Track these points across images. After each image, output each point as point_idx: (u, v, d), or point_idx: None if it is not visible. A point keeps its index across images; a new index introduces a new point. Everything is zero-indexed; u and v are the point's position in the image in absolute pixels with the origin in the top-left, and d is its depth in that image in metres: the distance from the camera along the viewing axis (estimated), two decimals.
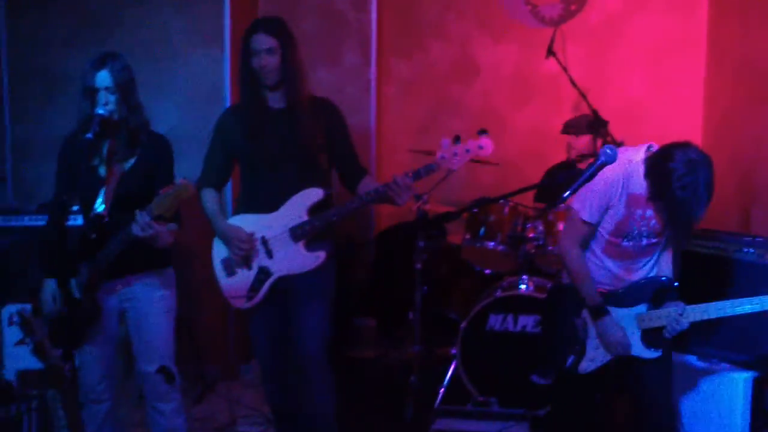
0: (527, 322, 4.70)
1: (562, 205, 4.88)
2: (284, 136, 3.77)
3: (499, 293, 4.76)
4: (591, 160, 5.06)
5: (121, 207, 3.52)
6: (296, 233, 3.75)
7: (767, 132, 4.74)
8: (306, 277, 3.80)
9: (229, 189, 4.82)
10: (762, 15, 4.89)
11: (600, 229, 3.54)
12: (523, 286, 4.78)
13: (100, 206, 3.54)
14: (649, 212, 3.40)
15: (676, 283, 3.52)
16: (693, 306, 3.40)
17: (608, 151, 2.99)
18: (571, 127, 5.27)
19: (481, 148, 3.53)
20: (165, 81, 5.16)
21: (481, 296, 4.94)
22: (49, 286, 3.61)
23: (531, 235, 4.86)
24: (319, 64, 5.96)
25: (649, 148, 3.38)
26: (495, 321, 4.72)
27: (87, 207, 3.59)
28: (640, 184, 3.35)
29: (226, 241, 3.84)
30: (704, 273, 3.82)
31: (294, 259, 3.79)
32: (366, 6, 6.15)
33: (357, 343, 5.82)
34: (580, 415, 3.77)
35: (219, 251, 3.92)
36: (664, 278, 3.54)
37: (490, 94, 6.26)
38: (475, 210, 5.14)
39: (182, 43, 5.22)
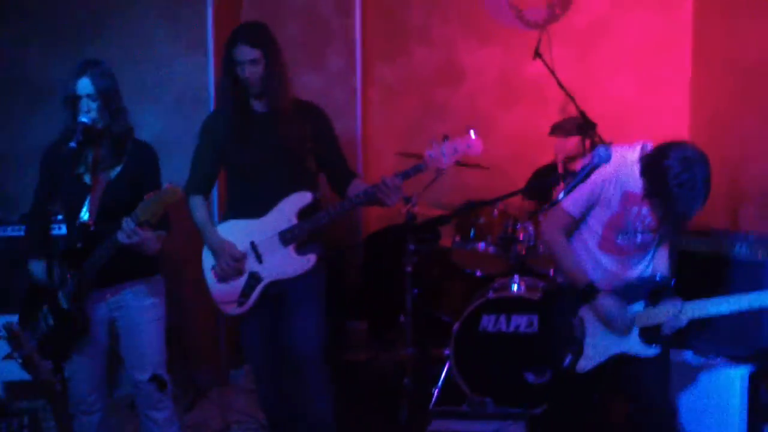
0: (520, 322, 4.69)
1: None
2: (270, 141, 3.76)
3: (491, 294, 4.76)
4: (579, 161, 5.13)
5: (107, 215, 3.48)
6: (286, 237, 3.74)
7: (754, 130, 4.76)
8: (297, 280, 3.79)
9: (214, 195, 4.78)
10: (747, 13, 4.90)
11: (594, 225, 3.53)
12: (514, 287, 4.78)
13: (85, 215, 3.51)
14: (645, 210, 3.40)
15: (673, 281, 3.52)
16: (690, 303, 3.40)
17: (602, 152, 3.00)
18: (559, 129, 5.27)
19: (469, 146, 3.53)
20: (149, 87, 5.13)
21: (473, 298, 4.93)
22: (39, 265, 3.58)
23: (521, 236, 4.86)
24: (304, 69, 5.93)
25: (643, 147, 3.38)
26: (488, 322, 4.72)
27: (72, 216, 3.55)
28: (635, 182, 3.35)
29: (217, 256, 3.81)
30: (698, 271, 3.82)
31: (284, 264, 3.77)
32: (350, 10, 6.13)
33: (349, 346, 5.79)
34: (577, 414, 3.75)
35: (209, 257, 3.88)
36: (660, 276, 3.53)
37: (476, 97, 6.24)
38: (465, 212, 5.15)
39: (166, 50, 5.19)
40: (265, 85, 3.71)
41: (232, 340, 5.23)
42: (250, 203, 3.81)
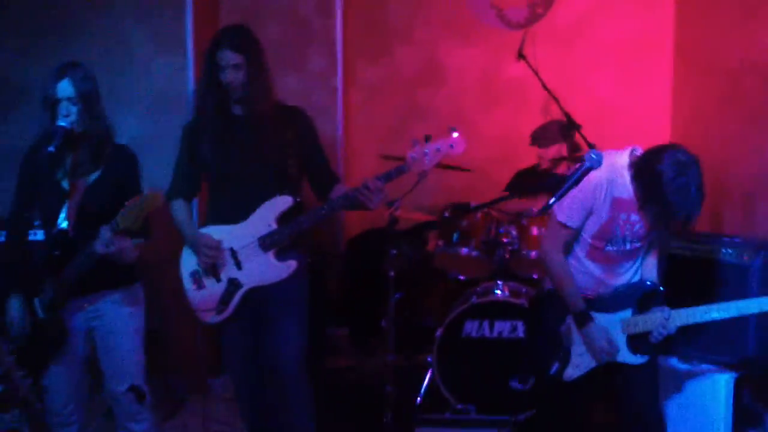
0: (503, 327, 4.65)
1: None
2: (250, 145, 3.72)
3: (474, 299, 4.71)
4: (565, 164, 5.12)
5: (85, 222, 3.43)
6: (265, 243, 3.70)
7: (737, 131, 4.76)
8: (278, 287, 3.75)
9: (194, 203, 4.72)
10: (729, 14, 4.90)
11: (583, 233, 3.50)
12: (498, 292, 4.75)
13: (63, 222, 3.45)
14: (634, 216, 3.37)
15: (661, 288, 3.49)
16: (678, 310, 3.38)
17: (593, 156, 2.96)
18: (538, 139, 5.25)
19: (452, 146, 3.48)
20: (127, 90, 5.04)
21: (456, 303, 4.89)
22: (14, 304, 3.50)
23: (505, 239, 4.84)
24: (285, 71, 5.85)
25: (633, 151, 3.35)
26: (471, 327, 4.68)
27: (50, 222, 3.49)
28: (625, 188, 3.32)
29: (195, 249, 3.77)
30: (683, 275, 3.81)
31: (264, 270, 3.73)
32: (331, 11, 6.08)
33: (330, 352, 5.73)
34: (564, 422, 3.72)
35: (187, 264, 3.85)
36: (648, 283, 3.51)
37: (458, 98, 6.22)
38: (447, 215, 5.13)
39: (144, 52, 5.11)
40: (247, 90, 3.68)
41: (211, 347, 5.16)
42: (230, 208, 3.77)
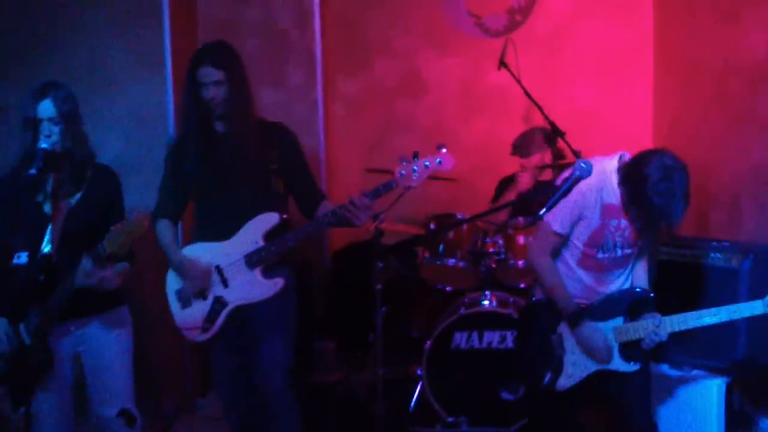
0: (492, 338, 4.63)
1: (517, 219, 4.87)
2: (233, 162, 3.71)
3: (462, 311, 4.68)
4: (550, 171, 5.11)
5: (69, 245, 3.40)
6: (252, 260, 3.68)
7: (722, 133, 4.76)
8: (264, 305, 3.73)
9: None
10: (710, 16, 4.90)
11: (575, 240, 3.50)
12: (486, 302, 4.73)
13: (46, 246, 3.41)
14: (624, 222, 3.38)
15: (652, 294, 3.49)
16: (670, 317, 3.38)
17: (583, 165, 2.97)
18: (519, 148, 5.24)
19: (440, 162, 3.48)
20: (106, 109, 4.99)
21: (444, 314, 4.88)
22: (0, 325, 3.44)
23: (491, 249, 4.83)
24: (264, 85, 5.80)
25: (621, 157, 3.37)
26: (460, 339, 4.65)
27: (33, 246, 3.43)
28: (614, 194, 3.33)
29: (182, 275, 3.74)
30: (672, 280, 3.80)
31: (251, 288, 3.71)
32: (309, 24, 6.03)
33: (317, 367, 5.68)
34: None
35: (173, 282, 3.83)
36: (639, 290, 3.51)
37: (439, 109, 6.20)
38: (433, 227, 5.10)
39: (122, 69, 5.06)
40: (229, 107, 3.67)
41: (197, 367, 5.11)
42: (216, 226, 3.75)
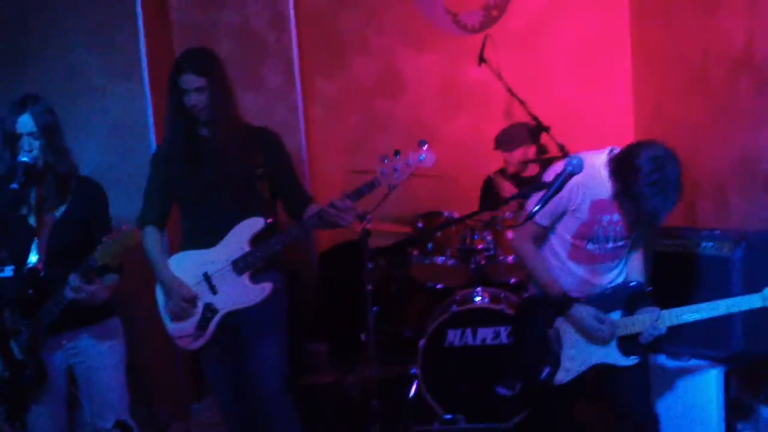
0: (486, 334, 4.62)
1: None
2: (218, 168, 3.68)
3: (455, 308, 4.67)
4: (533, 165, 5.11)
5: (56, 258, 3.37)
6: (239, 266, 3.66)
7: (704, 122, 4.77)
8: (255, 310, 3.70)
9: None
10: (688, 5, 4.91)
11: (564, 233, 3.48)
12: (478, 299, 4.72)
13: (33, 259, 3.37)
14: (617, 216, 3.36)
15: (648, 288, 3.47)
16: (668, 311, 3.38)
17: (573, 161, 2.98)
18: (502, 144, 5.24)
19: (421, 160, 3.48)
20: (83, 119, 4.90)
21: (436, 312, 4.86)
22: None
23: (480, 246, 4.82)
24: (242, 89, 5.68)
25: (611, 151, 3.35)
26: (454, 336, 4.64)
27: (20, 260, 3.39)
28: (604, 189, 3.31)
29: (168, 293, 3.72)
30: (664, 271, 3.79)
31: (239, 293, 3.68)
32: (284, 25, 5.97)
33: (310, 369, 5.64)
34: (557, 426, 3.69)
35: (162, 295, 3.78)
36: (634, 283, 3.50)
37: (419, 106, 6.20)
38: (420, 226, 5.08)
39: (99, 78, 4.97)
40: (212, 112, 3.64)
41: (191, 373, 5.06)
42: (202, 233, 3.72)
